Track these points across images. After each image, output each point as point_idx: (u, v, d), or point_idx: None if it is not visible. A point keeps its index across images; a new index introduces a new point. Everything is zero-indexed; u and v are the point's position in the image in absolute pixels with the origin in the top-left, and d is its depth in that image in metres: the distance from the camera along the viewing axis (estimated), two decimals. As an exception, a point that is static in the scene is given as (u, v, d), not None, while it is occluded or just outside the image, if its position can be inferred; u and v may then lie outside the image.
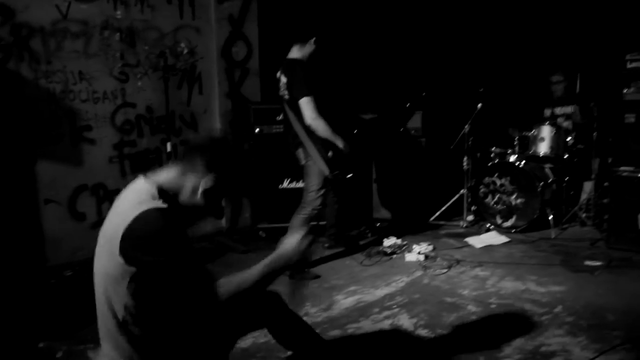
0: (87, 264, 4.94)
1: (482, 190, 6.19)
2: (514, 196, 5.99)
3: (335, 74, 6.56)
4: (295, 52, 4.72)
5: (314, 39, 4.68)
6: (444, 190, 6.67)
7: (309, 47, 4.69)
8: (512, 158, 6.18)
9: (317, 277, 4.74)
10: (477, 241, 5.67)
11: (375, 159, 6.51)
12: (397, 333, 3.68)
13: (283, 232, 4.75)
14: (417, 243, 5.44)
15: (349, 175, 4.90)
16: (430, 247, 5.38)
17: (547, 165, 6.31)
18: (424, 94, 6.72)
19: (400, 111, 6.56)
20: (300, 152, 4.83)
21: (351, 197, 5.90)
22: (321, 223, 5.47)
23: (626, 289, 4.29)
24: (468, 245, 5.60)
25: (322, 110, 4.58)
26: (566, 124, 6.48)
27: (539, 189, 5.82)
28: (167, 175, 2.27)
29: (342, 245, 5.53)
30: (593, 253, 5.20)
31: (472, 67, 7.58)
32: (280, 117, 5.52)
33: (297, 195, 4.98)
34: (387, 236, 5.67)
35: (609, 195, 5.42)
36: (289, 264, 2.31)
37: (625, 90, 5.25)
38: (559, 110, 6.65)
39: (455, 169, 6.51)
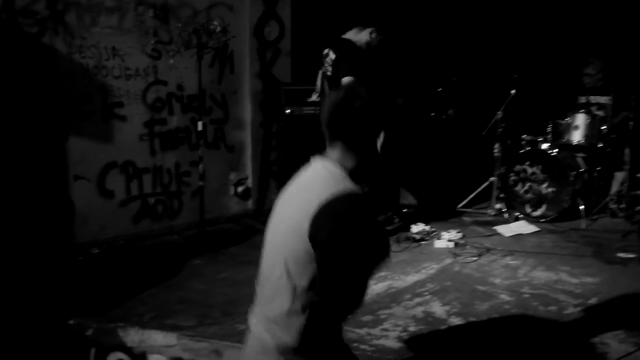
0: (114, 242, 5.04)
1: (512, 178, 6.11)
2: (544, 185, 5.90)
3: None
4: (351, 34, 4.76)
5: (371, 29, 4.72)
6: (473, 177, 6.59)
7: (365, 36, 4.73)
8: (545, 146, 6.08)
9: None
10: (507, 230, 5.62)
11: (405, 143, 6.44)
12: (429, 320, 3.65)
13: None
14: (446, 230, 5.40)
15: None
16: (460, 235, 5.33)
17: (580, 155, 6.21)
18: (454, 79, 6.64)
19: (432, 96, 6.48)
20: None
21: (379, 183, 5.85)
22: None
23: (660, 282, 4.22)
24: (497, 234, 5.55)
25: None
26: (600, 112, 6.37)
27: (571, 179, 5.74)
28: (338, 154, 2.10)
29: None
30: (625, 245, 5.12)
31: (507, 53, 7.46)
32: (313, 97, 5.48)
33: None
34: (414, 222, 5.62)
35: (640, 187, 5.34)
36: None
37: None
38: (593, 99, 6.53)
39: (486, 156, 6.43)
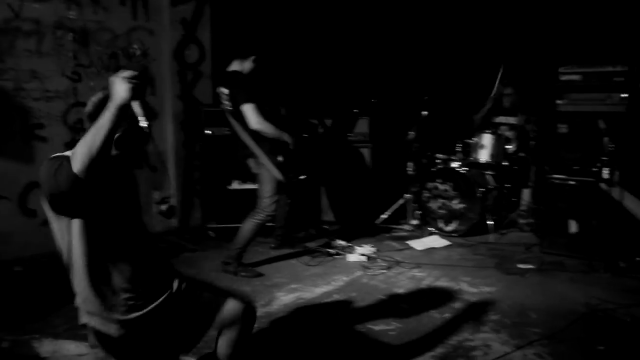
0: (37, 259, 5.07)
1: (425, 194, 6.41)
2: (455, 201, 6.22)
3: (285, 80, 6.75)
4: (235, 66, 4.86)
5: (253, 57, 4.85)
6: (389, 195, 6.86)
7: (249, 64, 4.84)
8: (455, 164, 6.42)
9: (260, 275, 4.90)
10: (419, 244, 5.90)
11: (324, 163, 6.69)
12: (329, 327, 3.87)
13: (232, 232, 4.95)
14: (361, 245, 5.65)
15: (302, 177, 5.05)
16: (373, 249, 5.58)
17: (489, 172, 6.57)
18: (373, 100, 6.92)
19: (348, 117, 6.75)
20: (251, 162, 4.98)
21: (300, 200, 6.08)
22: (269, 224, 5.63)
23: (552, 290, 4.54)
24: (409, 248, 5.81)
25: (267, 115, 4.74)
26: (509, 133, 6.76)
27: (479, 195, 6.07)
28: None
29: (288, 247, 5.69)
30: (527, 257, 5.45)
31: (419, 76, 7.82)
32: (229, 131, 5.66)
33: (246, 196, 5.14)
34: (333, 238, 5.88)
35: (543, 202, 5.69)
36: (120, 98, 2.21)
37: (558, 102, 5.52)
38: (502, 119, 6.92)
39: (401, 174, 6.72)
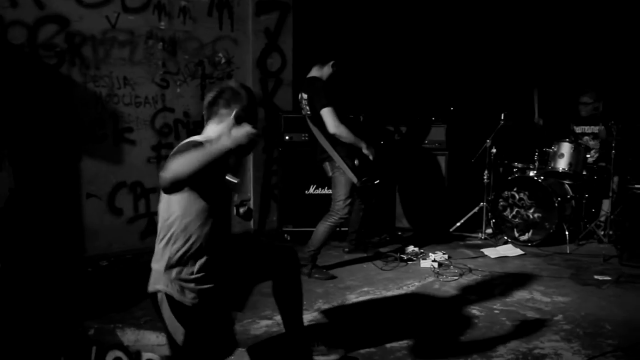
0: (122, 255, 5.40)
1: (501, 203, 6.38)
2: (531, 210, 6.17)
3: (362, 87, 6.87)
4: (315, 72, 5.05)
5: (332, 62, 5.01)
6: (464, 203, 6.87)
7: (328, 69, 5.03)
8: (531, 173, 6.37)
9: (334, 277, 5.03)
10: (493, 252, 5.88)
11: (399, 170, 6.77)
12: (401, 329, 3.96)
13: (308, 235, 5.11)
14: (434, 252, 5.70)
15: (376, 182, 5.16)
16: (446, 256, 5.62)
17: (567, 182, 6.47)
18: (451, 108, 6.96)
19: (425, 124, 6.80)
20: (327, 165, 5.12)
21: (375, 206, 6.17)
22: (343, 229, 5.78)
23: (630, 303, 4.45)
24: (483, 256, 5.81)
25: (345, 120, 4.88)
26: (592, 143, 6.65)
27: (556, 204, 5.99)
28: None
29: (362, 251, 5.79)
30: (605, 268, 5.36)
31: (498, 84, 7.79)
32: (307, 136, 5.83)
33: (322, 201, 5.27)
34: (406, 244, 5.96)
35: (625, 213, 5.57)
36: (236, 143, 2.52)
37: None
38: (585, 129, 6.81)
39: (477, 183, 6.71)
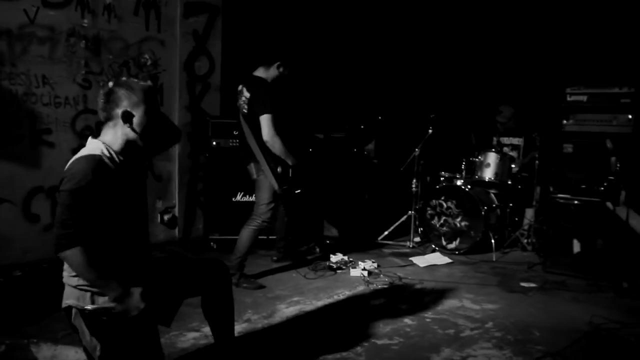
0: (38, 265, 5.07)
1: (429, 212, 6.44)
2: (458, 219, 6.24)
3: (293, 94, 6.78)
4: (261, 72, 4.94)
5: (277, 63, 4.91)
6: (393, 211, 6.89)
7: (274, 71, 4.93)
8: (459, 182, 6.45)
9: (262, 287, 4.90)
10: (422, 261, 5.91)
11: (328, 177, 6.72)
12: (333, 340, 3.87)
13: (234, 243, 4.96)
14: (363, 260, 5.66)
15: (297, 191, 5.07)
16: (375, 265, 5.59)
17: (492, 191, 6.60)
18: (379, 117, 6.99)
19: (353, 133, 6.79)
20: (252, 167, 5.00)
21: (302, 214, 6.09)
22: (271, 237, 5.67)
23: (555, 309, 4.55)
24: (412, 264, 5.83)
25: (279, 128, 4.78)
26: (512, 153, 6.81)
27: (482, 213, 6.08)
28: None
29: (290, 259, 5.71)
30: (530, 276, 5.49)
31: (425, 94, 7.90)
32: (237, 132, 5.69)
33: (249, 209, 5.13)
34: (334, 253, 5.90)
35: (547, 222, 5.72)
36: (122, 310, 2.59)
37: (564, 122, 5.58)
38: (506, 140, 6.98)
39: (405, 191, 6.75)
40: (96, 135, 2.74)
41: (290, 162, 4.85)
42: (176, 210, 6.27)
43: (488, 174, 6.36)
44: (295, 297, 4.69)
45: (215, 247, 6.08)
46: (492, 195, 6.56)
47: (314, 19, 7.44)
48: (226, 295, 3.05)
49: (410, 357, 3.60)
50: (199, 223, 6.48)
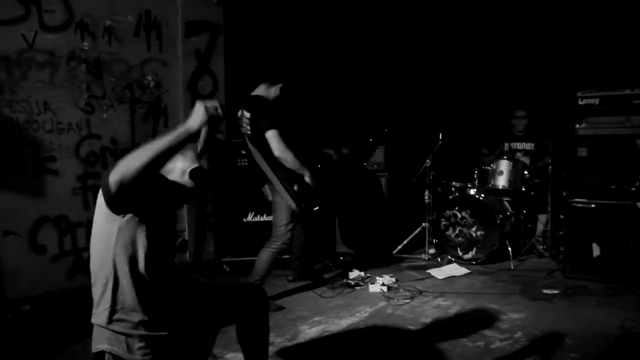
0: (46, 297, 4.91)
1: (443, 223, 6.33)
2: (474, 229, 6.13)
3: (300, 110, 6.68)
4: (261, 90, 4.80)
5: (281, 85, 4.81)
6: (406, 224, 6.77)
7: (275, 91, 4.81)
8: (472, 191, 6.34)
9: (282, 308, 4.74)
10: (439, 273, 5.77)
11: (339, 193, 6.60)
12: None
13: (248, 265, 4.81)
14: (380, 275, 5.52)
15: (316, 208, 4.93)
16: (393, 279, 5.45)
17: (506, 199, 6.49)
18: (386, 130, 6.88)
19: (362, 146, 6.69)
20: (266, 189, 4.86)
21: (315, 231, 5.96)
22: (285, 257, 5.52)
23: (582, 315, 4.45)
24: (430, 277, 5.70)
25: (288, 144, 4.64)
26: (524, 159, 6.71)
27: (498, 221, 5.97)
28: None
29: (307, 278, 5.55)
30: (550, 282, 5.38)
31: (435, 104, 7.82)
32: (244, 152, 5.58)
33: (261, 229, 5.01)
34: (350, 269, 5.77)
35: (564, 227, 5.61)
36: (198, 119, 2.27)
37: (577, 126, 5.50)
38: (518, 146, 6.88)
39: (417, 203, 6.64)
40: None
41: (307, 176, 4.69)
42: (186, 233, 6.12)
43: (501, 181, 6.25)
44: (316, 317, 4.53)
45: (228, 269, 5.94)
46: (506, 203, 6.45)
47: (318, 31, 7.36)
48: (264, 321, 2.87)
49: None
50: (209, 246, 6.33)
